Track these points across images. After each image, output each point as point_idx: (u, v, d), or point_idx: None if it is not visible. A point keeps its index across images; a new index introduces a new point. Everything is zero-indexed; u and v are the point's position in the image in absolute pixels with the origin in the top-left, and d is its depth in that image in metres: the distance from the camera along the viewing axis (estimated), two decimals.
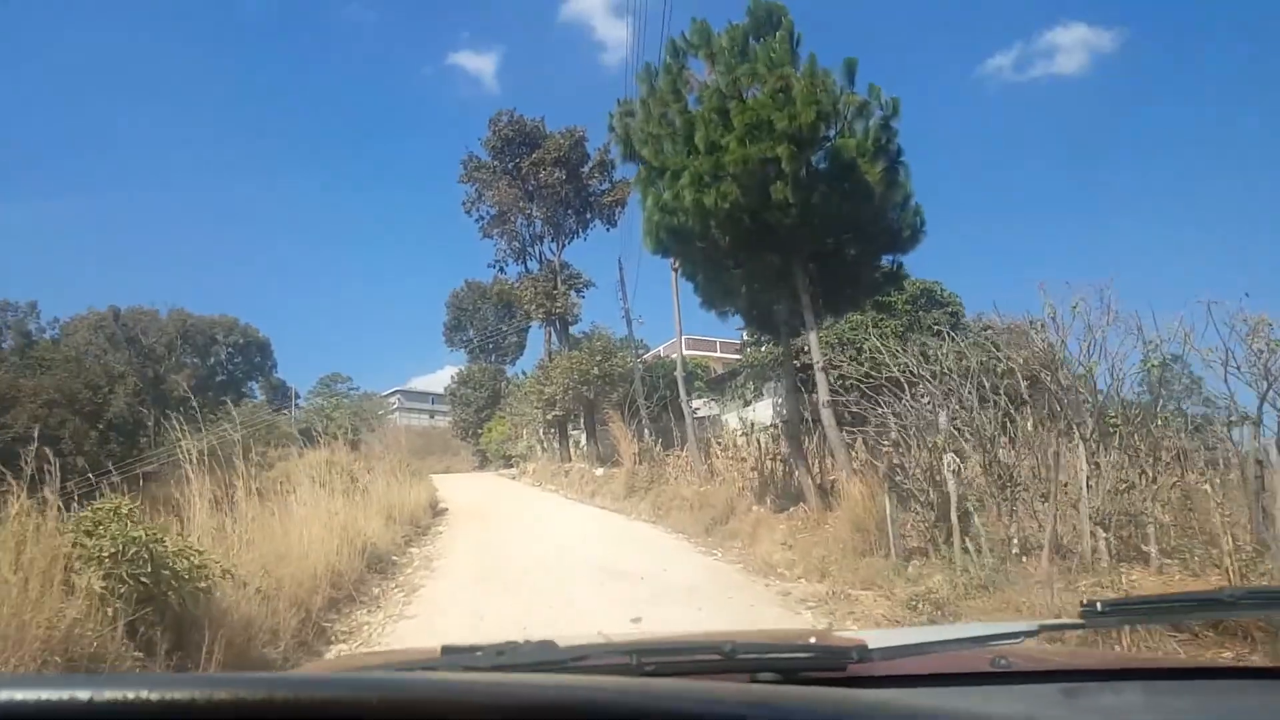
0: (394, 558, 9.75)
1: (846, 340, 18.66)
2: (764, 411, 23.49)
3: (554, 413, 22.25)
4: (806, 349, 10.58)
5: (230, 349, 53.39)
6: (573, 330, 23.08)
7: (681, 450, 18.21)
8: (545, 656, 1.05)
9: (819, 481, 10.26)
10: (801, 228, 9.24)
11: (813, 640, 1.29)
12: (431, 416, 65.50)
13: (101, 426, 43.67)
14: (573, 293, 22.00)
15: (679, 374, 16.30)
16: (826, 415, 9.62)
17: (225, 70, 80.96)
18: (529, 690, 0.69)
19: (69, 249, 68.26)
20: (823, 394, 9.65)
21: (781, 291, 10.50)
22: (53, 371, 35.49)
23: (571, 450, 23.63)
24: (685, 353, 25.03)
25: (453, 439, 46.13)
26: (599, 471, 20.32)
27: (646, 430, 21.36)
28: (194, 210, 79.52)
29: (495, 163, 22.54)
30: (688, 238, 9.57)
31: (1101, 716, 1.09)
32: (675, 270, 16.06)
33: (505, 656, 1.03)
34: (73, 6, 68.98)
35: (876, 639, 1.20)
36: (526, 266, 23.52)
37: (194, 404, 9.16)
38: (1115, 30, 75.47)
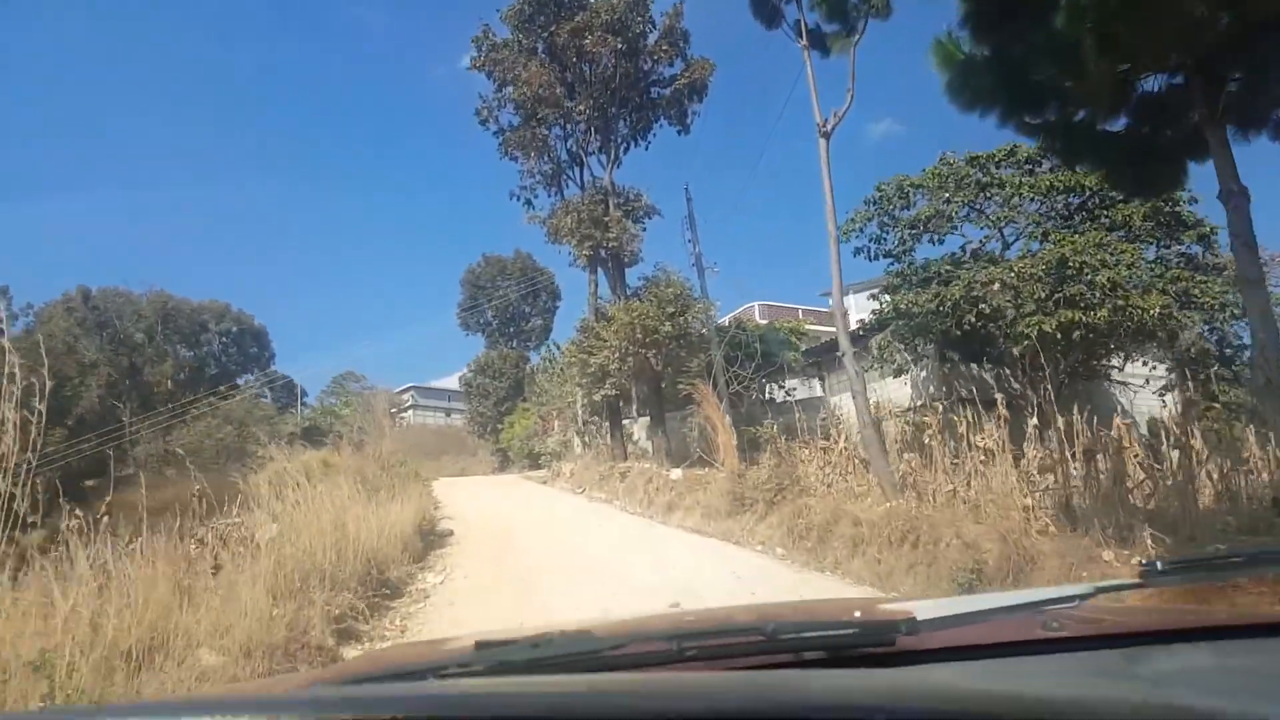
0: None
1: (1071, 267, 12.04)
2: (897, 390, 17.03)
3: (603, 391, 15.95)
4: None
5: (223, 337, 47.69)
6: (629, 279, 16.77)
7: (810, 441, 11.82)
8: (582, 647, 0.99)
9: None
10: None
11: (858, 614, 1.26)
12: (448, 415, 60.62)
13: (70, 423, 38.26)
14: (629, 221, 15.76)
15: (836, 311, 9.82)
16: None
17: (220, 60, 76.44)
18: (556, 698, 0.71)
19: (56, 237, 63.56)
20: None
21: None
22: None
23: (626, 444, 17.31)
24: (742, 321, 18.67)
25: (469, 436, 40.00)
26: (674, 474, 13.91)
27: (728, 416, 14.96)
28: (202, 207, 75.20)
29: (520, 39, 16.15)
30: None
31: (1166, 680, 1.00)
32: (826, 136, 9.63)
33: (540, 649, 0.96)
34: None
35: (925, 610, 1.11)
36: (563, 193, 17.35)
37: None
38: None
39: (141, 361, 40.66)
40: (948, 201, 14.02)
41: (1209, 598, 1.40)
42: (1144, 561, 1.20)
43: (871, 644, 1.03)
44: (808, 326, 20.05)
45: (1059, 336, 12.30)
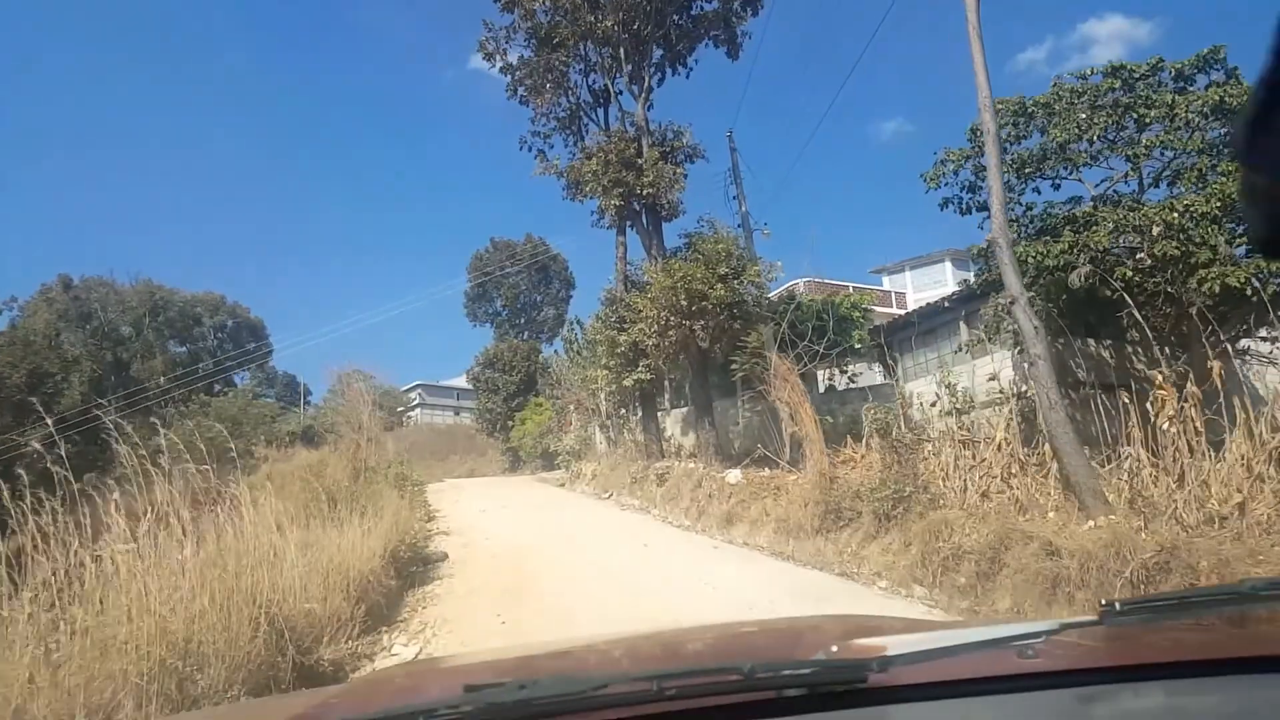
0: None
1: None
2: (986, 372, 14.00)
3: (635, 375, 12.95)
4: None
5: (217, 332, 45.00)
6: (667, 239, 13.62)
7: (919, 431, 8.95)
8: (568, 689, 1.02)
9: None
10: None
11: (834, 649, 1.37)
12: (457, 414, 58.30)
13: (51, 423, 35.75)
14: (666, 162, 12.71)
15: (1000, 239, 6.69)
16: None
17: (216, 54, 74.19)
18: None
19: (33, 222, 61.27)
20: None
21: None
22: None
23: (662, 441, 14.30)
24: (795, 295, 15.75)
25: (477, 435, 37.15)
26: (730, 476, 10.95)
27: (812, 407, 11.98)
28: (200, 204, 72.98)
29: None
30: None
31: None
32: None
33: (527, 690, 1.00)
34: None
35: (898, 645, 1.19)
36: (583, 138, 14.31)
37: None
38: (1153, 21, 70.14)
39: (128, 356, 38.18)
40: (1081, 127, 10.91)
41: (1164, 637, 1.37)
42: (1104, 601, 1.25)
43: (843, 681, 1.06)
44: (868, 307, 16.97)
45: (1248, 293, 9.27)
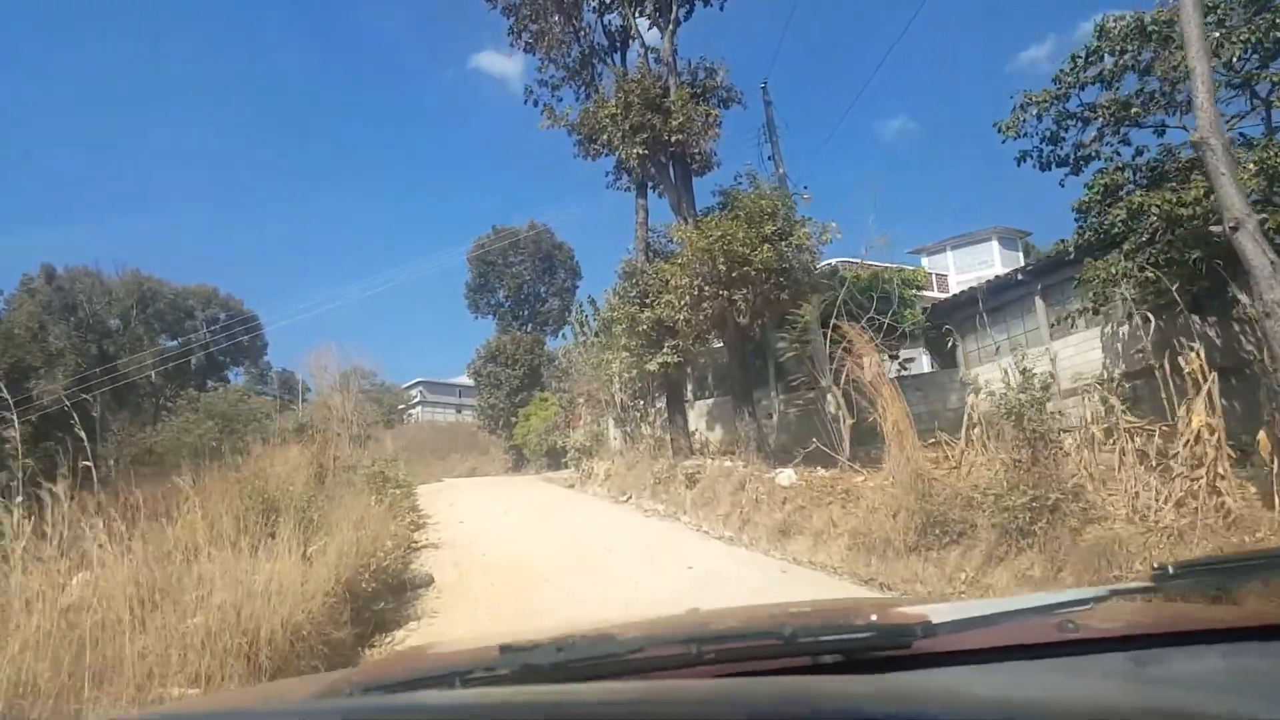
0: None
1: None
2: (1076, 352, 12.08)
3: (660, 357, 10.98)
4: None
5: (210, 325, 43.10)
6: (698, 197, 11.57)
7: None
8: (604, 650, 0.99)
9: None
10: None
11: (874, 618, 1.29)
12: (459, 411, 56.78)
13: (34, 419, 34.16)
14: (699, 102, 10.64)
15: (1209, 137, 4.78)
16: None
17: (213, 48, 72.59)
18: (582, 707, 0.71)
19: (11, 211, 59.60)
20: None
21: None
22: None
23: (688, 435, 12.30)
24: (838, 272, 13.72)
25: (479, 432, 35.36)
26: (782, 477, 9.02)
27: (833, 397, 10.07)
28: (201, 201, 71.22)
29: None
30: None
31: (1177, 683, 1.01)
32: None
33: (565, 653, 0.97)
34: None
35: (941, 613, 1.13)
36: (596, 88, 12.89)
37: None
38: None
39: (115, 350, 36.37)
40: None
41: (1220, 601, 1.31)
42: (1155, 565, 1.20)
43: (888, 647, 1.02)
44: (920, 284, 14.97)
45: None
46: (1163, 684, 0.99)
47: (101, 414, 33.27)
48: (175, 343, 42.21)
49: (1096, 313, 9.55)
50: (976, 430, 7.36)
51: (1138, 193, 9.12)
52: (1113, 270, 8.92)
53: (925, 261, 20.65)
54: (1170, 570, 1.17)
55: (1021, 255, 19.91)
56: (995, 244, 20.48)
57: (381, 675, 1.25)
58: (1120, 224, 9.09)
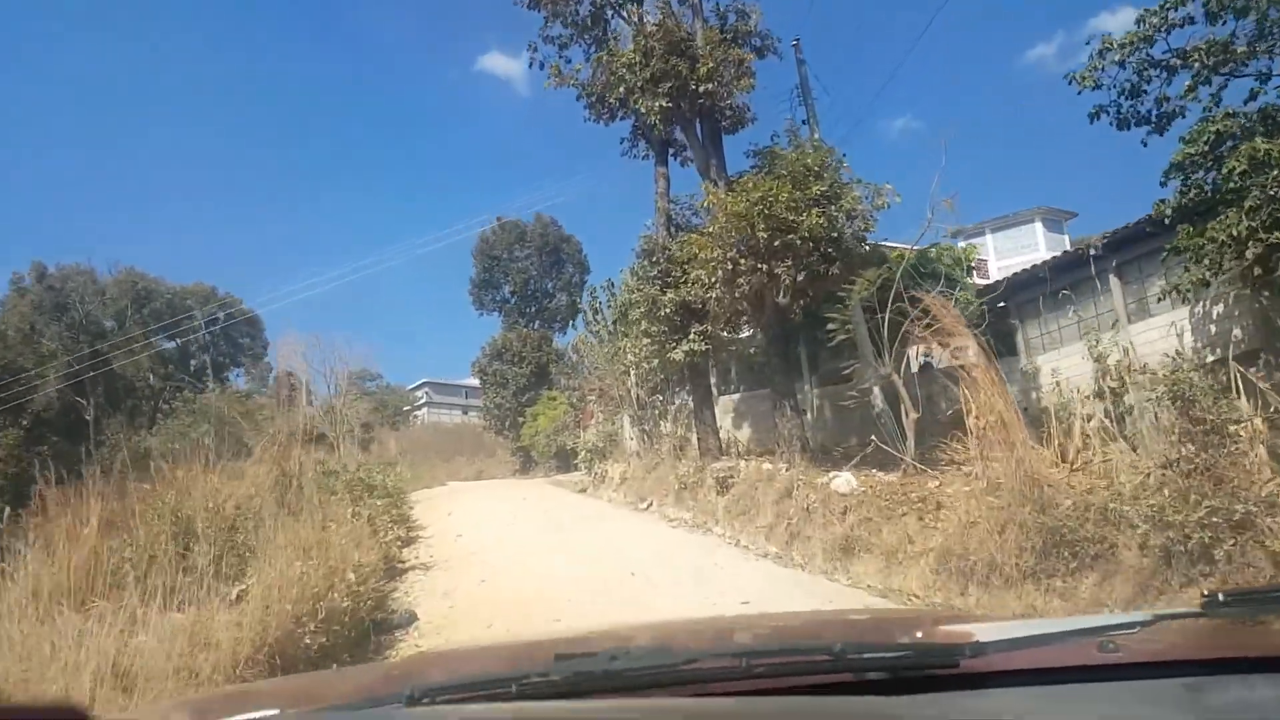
0: None
1: None
2: (1154, 336, 10.62)
3: (688, 343, 9.57)
4: None
5: (209, 325, 41.92)
6: (729, 159, 10.11)
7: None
8: (658, 661, 1.00)
9: None
10: None
11: (919, 635, 1.32)
12: (465, 412, 55.68)
13: (26, 423, 33.05)
14: (727, 50, 9.24)
15: None
16: None
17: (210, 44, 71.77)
18: None
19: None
20: None
21: None
22: None
23: (717, 433, 10.85)
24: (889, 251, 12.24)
25: (486, 433, 34.14)
26: (840, 483, 7.61)
27: (879, 391, 8.67)
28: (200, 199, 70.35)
29: None
30: None
31: (1225, 711, 0.97)
32: None
33: (619, 662, 0.98)
34: None
35: (987, 632, 1.14)
36: (607, 43, 11.08)
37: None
38: None
39: (108, 350, 35.27)
40: None
41: (1270, 629, 1.26)
42: (1205, 593, 1.18)
43: (936, 665, 1.01)
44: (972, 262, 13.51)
45: None
46: (1209, 710, 0.95)
47: (96, 417, 32.12)
48: (173, 344, 41.12)
49: (1207, 284, 8.07)
50: (1093, 422, 5.92)
51: (1259, 139, 7.65)
52: (1233, 232, 7.45)
53: (962, 245, 19.23)
54: (1221, 598, 1.16)
55: (1067, 239, 18.39)
56: (1039, 225, 18.96)
57: (427, 677, 1.23)
58: (1238, 177, 7.63)
